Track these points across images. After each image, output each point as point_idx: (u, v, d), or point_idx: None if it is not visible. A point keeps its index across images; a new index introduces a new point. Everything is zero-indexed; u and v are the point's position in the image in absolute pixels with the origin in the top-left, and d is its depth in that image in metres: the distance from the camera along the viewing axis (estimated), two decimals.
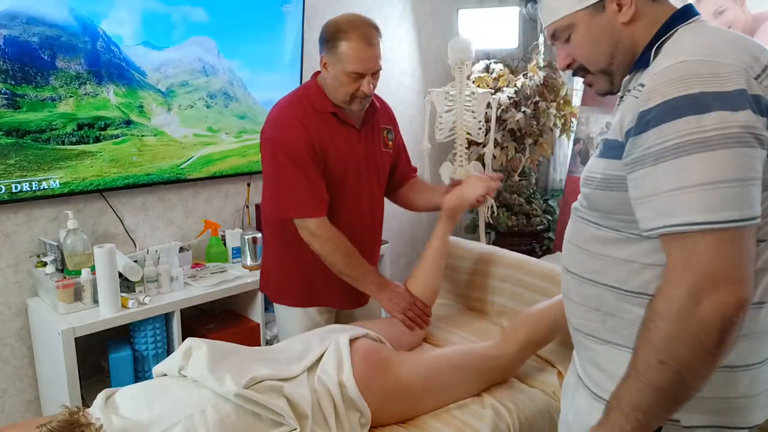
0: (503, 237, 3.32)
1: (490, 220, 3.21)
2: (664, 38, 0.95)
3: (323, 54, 1.73)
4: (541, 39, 3.24)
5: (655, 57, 0.95)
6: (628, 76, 1.01)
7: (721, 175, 0.81)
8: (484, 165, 3.05)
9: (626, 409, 0.86)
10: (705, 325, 0.81)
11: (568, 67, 1.08)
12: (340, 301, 1.91)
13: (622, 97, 1.03)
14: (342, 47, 1.66)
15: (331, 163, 1.78)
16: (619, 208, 0.96)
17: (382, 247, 2.23)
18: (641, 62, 0.98)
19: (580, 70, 1.07)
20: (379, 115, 1.89)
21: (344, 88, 1.71)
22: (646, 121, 0.87)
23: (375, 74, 1.72)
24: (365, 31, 1.67)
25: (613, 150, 0.96)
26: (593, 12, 0.99)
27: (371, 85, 1.71)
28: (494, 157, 3.12)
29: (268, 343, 2.42)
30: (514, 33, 3.22)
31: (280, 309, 1.94)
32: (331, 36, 1.69)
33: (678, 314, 0.82)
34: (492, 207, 3.09)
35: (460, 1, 3.49)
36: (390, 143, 1.93)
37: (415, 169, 2.11)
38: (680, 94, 0.84)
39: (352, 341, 1.55)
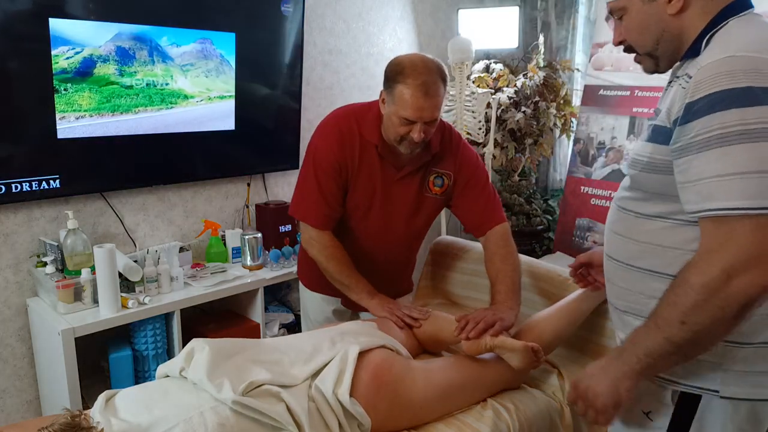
0: None
1: None
2: (715, 29, 0.99)
3: (382, 89, 1.70)
4: (541, 39, 3.24)
5: (705, 47, 0.99)
6: (678, 63, 1.08)
7: (762, 165, 0.87)
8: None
9: (640, 353, 0.99)
10: (731, 300, 0.89)
11: (620, 43, 1.14)
12: (347, 299, 1.92)
13: (670, 82, 1.10)
14: (398, 90, 1.61)
15: (355, 191, 1.78)
16: (663, 189, 1.03)
17: None
18: (692, 51, 1.03)
19: (629, 49, 1.14)
20: (435, 159, 1.82)
21: (395, 129, 1.67)
22: (693, 112, 0.93)
23: (430, 123, 1.65)
24: (425, 79, 1.59)
25: (661, 135, 1.02)
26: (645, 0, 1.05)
27: (422, 133, 1.63)
28: (494, 157, 3.12)
29: None
30: (514, 33, 3.22)
31: (300, 285, 2.06)
32: (391, 75, 1.64)
33: (708, 288, 0.90)
34: None
35: (460, 1, 3.49)
36: (436, 189, 1.85)
37: (494, 222, 1.86)
38: (726, 88, 0.89)
39: (363, 353, 1.50)
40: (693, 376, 1.04)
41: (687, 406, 1.06)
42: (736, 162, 0.88)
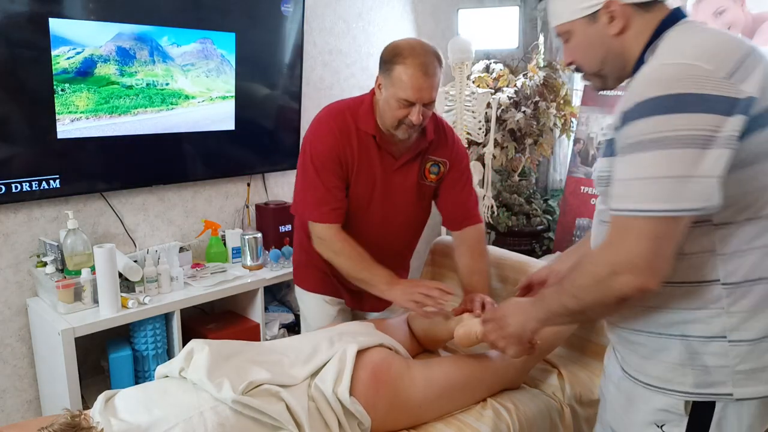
0: (503, 237, 3.32)
1: (490, 220, 3.21)
2: (654, 43, 1.05)
3: (379, 74, 1.70)
4: (541, 39, 3.25)
5: (646, 62, 1.03)
6: (628, 79, 1.11)
7: (662, 171, 0.92)
8: (484, 165, 3.05)
9: (546, 307, 1.17)
10: (611, 292, 1.00)
11: (570, 64, 1.19)
12: (351, 299, 1.92)
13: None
14: (396, 71, 1.62)
15: (355, 183, 1.77)
16: None
17: None
18: (637, 68, 1.07)
19: (578, 69, 1.19)
20: (431, 147, 1.82)
21: (393, 113, 1.66)
22: (623, 119, 0.98)
23: (427, 105, 1.66)
24: (423, 60, 1.61)
25: (611, 148, 1.05)
26: (588, 22, 1.10)
27: (421, 115, 1.64)
28: (494, 157, 3.12)
29: None
30: (514, 33, 3.22)
31: (297, 290, 2.01)
32: (388, 58, 1.65)
33: (594, 277, 1.02)
34: (492, 207, 3.09)
35: (460, 1, 3.49)
36: (432, 176, 1.85)
37: (474, 220, 1.91)
38: (650, 96, 0.94)
39: (362, 352, 1.50)
40: (705, 385, 1.05)
41: (701, 415, 1.06)
42: (641, 167, 0.94)
